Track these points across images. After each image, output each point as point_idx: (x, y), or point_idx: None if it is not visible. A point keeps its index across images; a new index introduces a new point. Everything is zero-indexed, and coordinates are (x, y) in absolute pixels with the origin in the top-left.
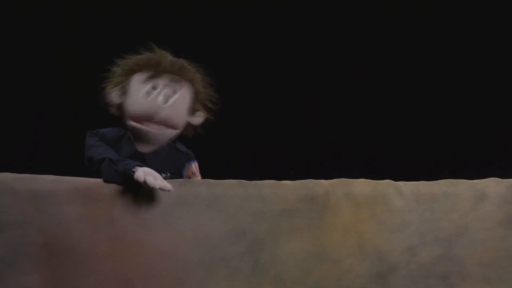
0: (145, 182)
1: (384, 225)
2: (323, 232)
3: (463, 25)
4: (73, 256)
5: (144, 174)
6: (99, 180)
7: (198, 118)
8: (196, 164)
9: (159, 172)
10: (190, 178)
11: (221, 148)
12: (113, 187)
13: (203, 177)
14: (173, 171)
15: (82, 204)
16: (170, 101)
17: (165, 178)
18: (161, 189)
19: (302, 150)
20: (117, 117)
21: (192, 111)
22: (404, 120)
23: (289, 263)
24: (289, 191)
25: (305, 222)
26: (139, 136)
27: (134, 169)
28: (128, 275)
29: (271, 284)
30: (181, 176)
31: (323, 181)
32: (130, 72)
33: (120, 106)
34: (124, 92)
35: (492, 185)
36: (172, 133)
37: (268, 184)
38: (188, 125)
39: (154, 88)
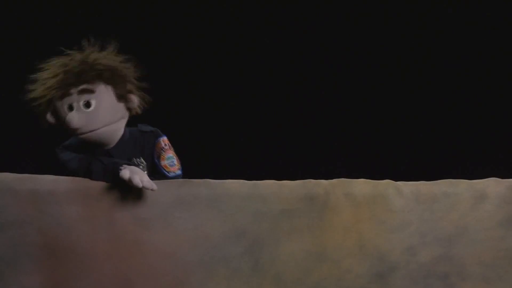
0: (130, 180)
1: (384, 225)
2: (323, 232)
3: (463, 25)
4: (73, 256)
5: (130, 172)
6: (99, 180)
7: (132, 101)
8: (165, 138)
9: (132, 159)
10: (159, 154)
11: (221, 148)
12: (113, 187)
13: (203, 177)
14: (146, 153)
15: (82, 204)
16: (90, 110)
17: (138, 164)
18: (144, 187)
19: (302, 150)
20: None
21: (121, 99)
22: (404, 120)
23: (289, 263)
24: (289, 191)
25: (305, 222)
26: (91, 142)
27: (121, 167)
28: (128, 275)
29: (271, 284)
30: (152, 156)
31: (323, 181)
32: (47, 96)
33: (59, 123)
34: (55, 114)
35: (492, 185)
36: (107, 131)
37: (268, 184)
38: (129, 109)
39: (70, 107)
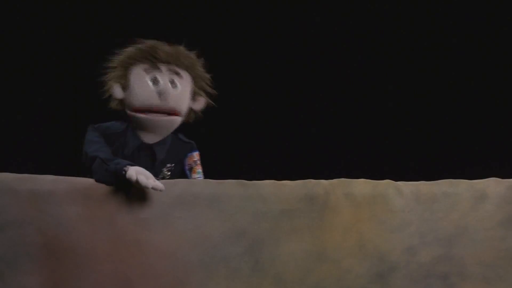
0: (137, 181)
1: (384, 225)
2: (323, 232)
3: (463, 25)
4: (73, 256)
5: (136, 173)
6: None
7: (199, 103)
8: (198, 153)
9: (165, 162)
10: (191, 166)
11: (221, 148)
12: (113, 187)
13: (204, 177)
14: (176, 161)
15: (82, 204)
16: (174, 91)
17: (170, 168)
18: (153, 188)
19: (302, 150)
20: (117, 112)
21: (193, 96)
22: (404, 120)
23: (289, 263)
24: (289, 191)
25: (305, 222)
26: (145, 127)
27: (125, 168)
28: (128, 275)
29: (271, 284)
30: (183, 166)
31: (323, 181)
32: (128, 65)
33: (122, 101)
34: (125, 86)
35: (492, 185)
36: (177, 120)
37: (268, 184)
38: (190, 111)
39: (154, 80)
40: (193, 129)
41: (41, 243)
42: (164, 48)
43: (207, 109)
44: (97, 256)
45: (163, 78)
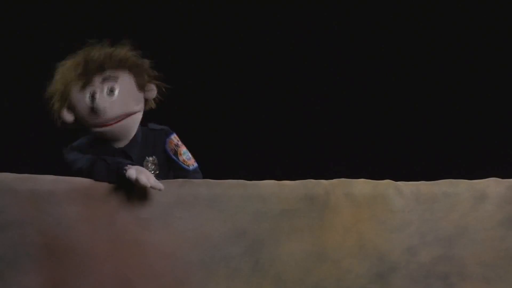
0: (137, 180)
1: (384, 225)
2: (323, 232)
3: (463, 24)
4: (73, 256)
5: (137, 172)
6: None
7: (151, 91)
8: (175, 135)
9: (145, 158)
10: (175, 151)
11: (221, 148)
12: (113, 187)
13: (203, 177)
14: (158, 152)
15: (82, 204)
16: (111, 99)
17: (153, 162)
18: (152, 187)
19: (302, 150)
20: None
21: (141, 88)
22: (404, 120)
23: (289, 263)
24: (289, 191)
25: (305, 222)
26: (106, 138)
27: (126, 167)
28: (128, 275)
29: (271, 284)
30: (167, 154)
31: (323, 181)
32: (65, 88)
33: (75, 122)
34: (72, 109)
35: (492, 185)
36: (135, 118)
37: (268, 184)
38: (147, 100)
39: (92, 95)
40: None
41: (41, 243)
42: (93, 57)
43: (207, 109)
44: (97, 256)
45: (99, 90)
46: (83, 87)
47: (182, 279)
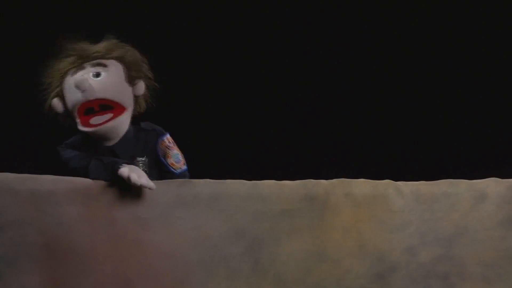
0: (128, 178)
1: (384, 225)
2: (323, 232)
3: (463, 24)
4: (73, 256)
5: (129, 170)
6: (99, 180)
7: (139, 86)
8: (168, 137)
9: (134, 157)
10: (165, 153)
11: (221, 148)
12: (113, 187)
13: (203, 177)
14: (148, 152)
15: (82, 204)
16: (96, 80)
17: (143, 162)
18: (142, 186)
19: (302, 150)
20: (70, 126)
21: (130, 81)
22: (404, 120)
23: (289, 263)
24: (289, 191)
25: (305, 222)
26: (97, 137)
27: (120, 166)
28: (128, 275)
29: (271, 284)
30: (157, 155)
31: (323, 181)
32: (59, 76)
33: (65, 112)
34: (62, 97)
35: (492, 185)
36: (124, 115)
37: (268, 184)
38: (136, 98)
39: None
40: (193, 129)
41: (41, 243)
42: (89, 47)
43: (207, 109)
44: (97, 256)
45: (86, 72)
46: (74, 73)
47: (182, 279)
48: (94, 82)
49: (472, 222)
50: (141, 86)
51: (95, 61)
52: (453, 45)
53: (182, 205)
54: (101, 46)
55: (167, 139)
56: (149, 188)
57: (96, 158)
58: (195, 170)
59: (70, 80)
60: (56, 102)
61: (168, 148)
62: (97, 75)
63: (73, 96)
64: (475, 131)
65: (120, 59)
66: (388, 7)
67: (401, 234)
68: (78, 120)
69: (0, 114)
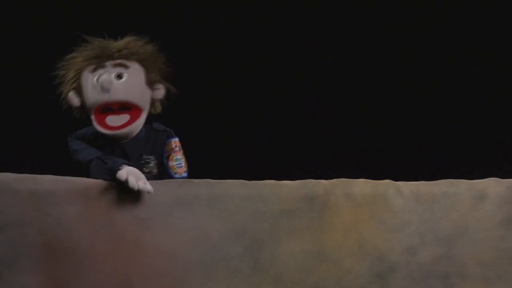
0: (126, 181)
1: (384, 225)
2: (323, 232)
3: (463, 25)
4: (73, 256)
5: (127, 173)
6: (99, 180)
7: (159, 91)
8: (176, 140)
9: (142, 156)
10: (169, 155)
11: (221, 148)
12: (113, 187)
13: (203, 177)
14: (156, 152)
15: (82, 204)
16: (118, 82)
17: (151, 161)
18: (140, 190)
19: (302, 150)
20: (85, 119)
21: (150, 85)
22: (404, 120)
23: (289, 263)
24: (289, 191)
25: (305, 222)
26: (111, 136)
27: (120, 167)
28: (128, 275)
29: (271, 284)
30: (162, 155)
31: (323, 181)
32: (78, 70)
33: (81, 107)
34: (79, 92)
35: (492, 185)
36: (141, 118)
37: (268, 184)
38: (154, 101)
39: (99, 78)
40: (193, 129)
41: (41, 243)
42: (111, 45)
43: (207, 109)
44: (97, 256)
45: (108, 73)
46: (94, 70)
47: (182, 279)
48: (117, 84)
49: (472, 222)
50: (161, 91)
51: (117, 61)
52: (453, 45)
53: (182, 205)
54: (121, 44)
55: (175, 142)
56: (147, 192)
57: (98, 157)
58: (195, 170)
59: (90, 77)
60: (72, 96)
61: (173, 151)
62: (120, 76)
63: (94, 94)
64: (475, 131)
65: (140, 61)
66: (388, 7)
67: (401, 234)
68: (93, 117)
69: (0, 114)
